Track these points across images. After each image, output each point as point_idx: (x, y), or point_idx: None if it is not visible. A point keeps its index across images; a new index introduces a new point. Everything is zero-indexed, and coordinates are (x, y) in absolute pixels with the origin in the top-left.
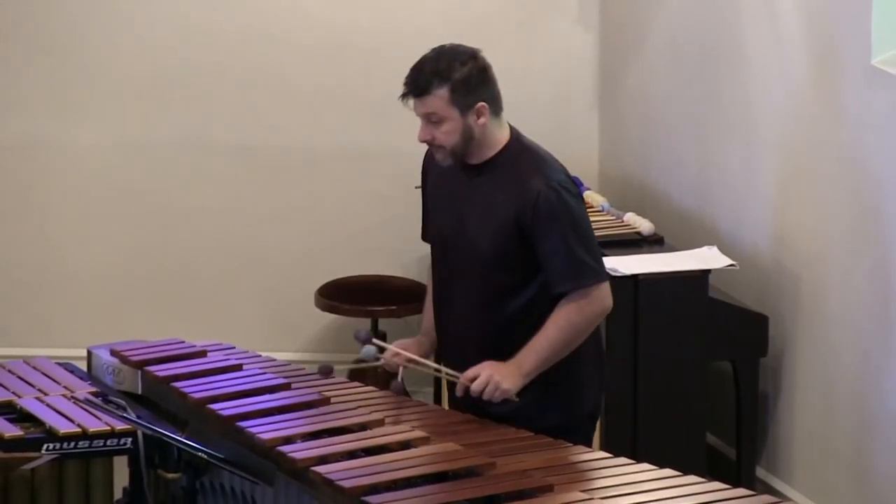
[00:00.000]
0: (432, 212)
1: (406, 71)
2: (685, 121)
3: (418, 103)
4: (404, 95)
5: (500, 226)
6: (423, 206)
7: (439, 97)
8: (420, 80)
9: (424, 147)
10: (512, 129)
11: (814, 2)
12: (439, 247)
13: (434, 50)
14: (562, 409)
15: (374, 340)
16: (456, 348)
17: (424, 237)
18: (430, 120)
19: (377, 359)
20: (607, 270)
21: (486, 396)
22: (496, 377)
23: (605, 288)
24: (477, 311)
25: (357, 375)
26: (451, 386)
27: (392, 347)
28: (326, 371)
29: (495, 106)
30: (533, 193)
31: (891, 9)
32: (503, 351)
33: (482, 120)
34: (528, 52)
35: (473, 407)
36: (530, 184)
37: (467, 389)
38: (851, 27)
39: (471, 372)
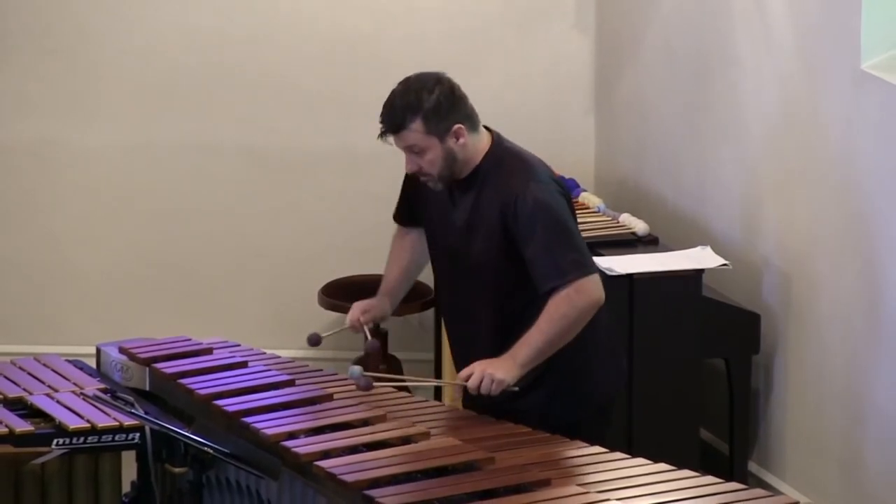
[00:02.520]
0: (428, 224)
1: (407, 73)
2: (679, 124)
3: (397, 139)
4: (382, 133)
5: (490, 232)
6: (402, 192)
7: (415, 130)
8: (393, 117)
9: None
10: (493, 136)
11: (805, 8)
12: (439, 258)
13: (401, 83)
14: (572, 403)
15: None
16: (465, 350)
17: (396, 217)
18: (413, 151)
19: (367, 384)
20: (597, 265)
21: (483, 391)
22: (489, 370)
23: (594, 280)
24: (481, 314)
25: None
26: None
27: (353, 309)
28: (315, 341)
29: (471, 123)
30: (511, 198)
31: (879, 15)
32: (508, 346)
33: (462, 140)
34: (525, 56)
35: (490, 406)
36: (509, 189)
37: (466, 390)
38: (841, 33)
39: (464, 372)
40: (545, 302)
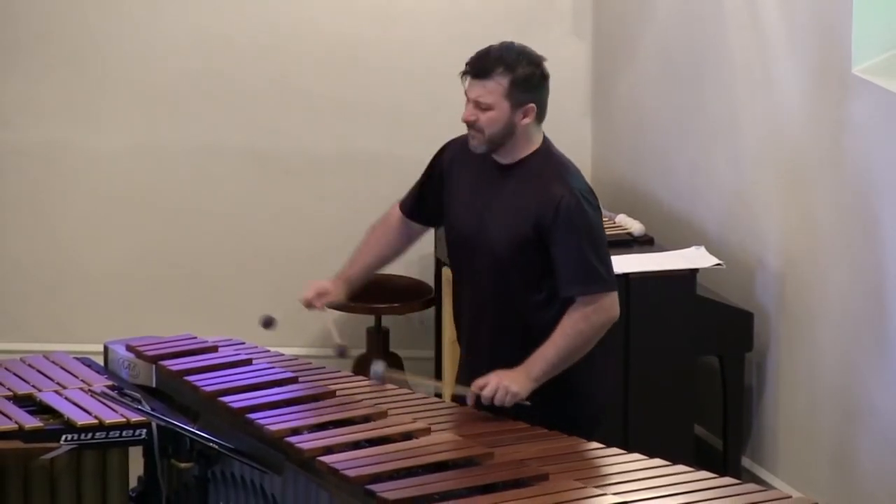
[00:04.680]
0: (451, 207)
1: (407, 77)
2: (675, 126)
3: (476, 84)
4: (465, 73)
5: (520, 227)
6: (419, 184)
7: (498, 84)
8: (485, 64)
9: (428, 152)
10: (545, 138)
11: (797, 13)
12: (456, 244)
13: (504, 42)
14: (574, 403)
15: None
16: (472, 343)
17: (402, 206)
18: (479, 104)
19: (382, 379)
20: (616, 283)
21: (497, 402)
22: (505, 382)
23: (613, 298)
24: (490, 308)
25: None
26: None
27: (310, 289)
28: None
29: (541, 112)
30: (555, 198)
31: (870, 19)
32: (515, 348)
33: (526, 120)
34: None
35: (491, 409)
36: (553, 189)
37: (479, 399)
38: (833, 37)
39: (480, 380)
40: (559, 310)
